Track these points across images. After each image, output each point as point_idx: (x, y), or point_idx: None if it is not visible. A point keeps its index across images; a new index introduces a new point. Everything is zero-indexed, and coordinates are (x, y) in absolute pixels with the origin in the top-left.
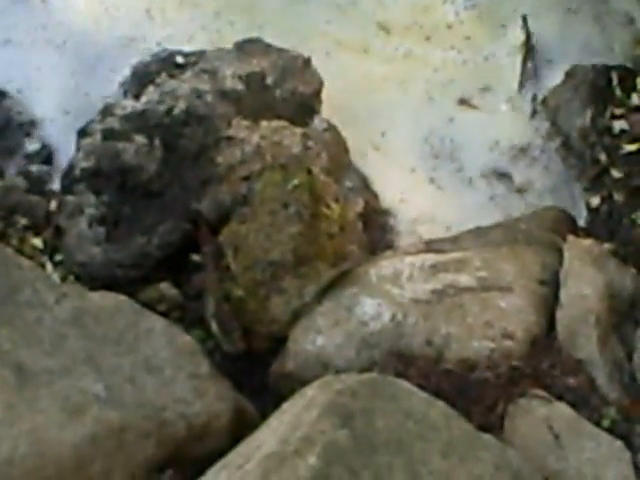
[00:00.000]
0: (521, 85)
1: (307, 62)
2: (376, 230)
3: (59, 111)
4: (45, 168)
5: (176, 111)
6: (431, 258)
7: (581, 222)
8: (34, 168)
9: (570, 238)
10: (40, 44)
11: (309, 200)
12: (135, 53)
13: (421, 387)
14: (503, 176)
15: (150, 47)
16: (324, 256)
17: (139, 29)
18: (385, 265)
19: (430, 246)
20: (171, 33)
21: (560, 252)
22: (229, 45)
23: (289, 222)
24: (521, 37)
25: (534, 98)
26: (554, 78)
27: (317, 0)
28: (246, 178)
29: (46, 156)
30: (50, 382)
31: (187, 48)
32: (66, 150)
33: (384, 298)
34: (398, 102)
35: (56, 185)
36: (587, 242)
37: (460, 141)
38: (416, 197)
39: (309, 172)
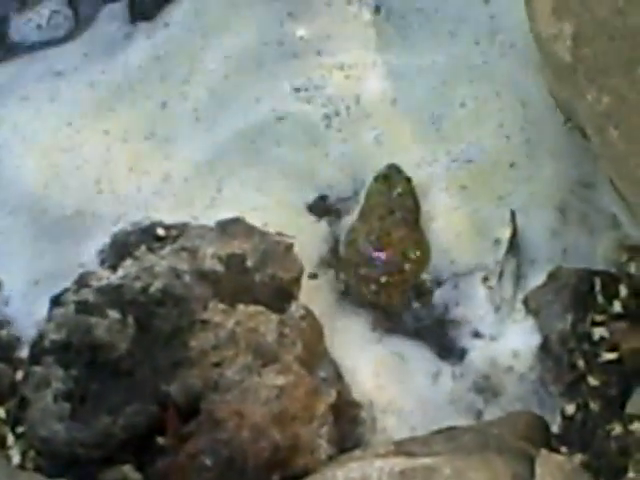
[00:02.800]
0: (500, 278)
1: (289, 248)
2: (346, 423)
3: (28, 280)
4: (15, 334)
5: (152, 289)
6: (400, 463)
7: (554, 428)
8: (3, 333)
9: (543, 452)
10: None
11: None
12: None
13: None
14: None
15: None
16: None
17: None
18: (354, 468)
19: (400, 448)
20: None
21: (532, 462)
22: None
23: None
24: (507, 232)
25: (513, 296)
26: (536, 278)
27: None
28: (218, 364)
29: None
30: None
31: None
32: (38, 315)
33: None
34: None
35: (24, 353)
36: (560, 458)
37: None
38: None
39: None
